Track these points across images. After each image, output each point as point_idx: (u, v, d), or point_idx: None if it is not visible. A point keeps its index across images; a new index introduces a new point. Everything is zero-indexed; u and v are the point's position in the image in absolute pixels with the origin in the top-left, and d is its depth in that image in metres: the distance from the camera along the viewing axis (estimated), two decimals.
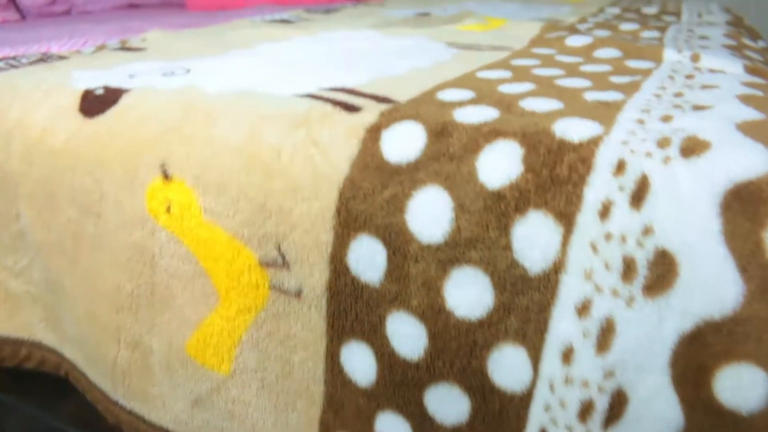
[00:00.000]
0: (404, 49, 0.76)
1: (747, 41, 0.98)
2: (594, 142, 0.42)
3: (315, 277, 0.48)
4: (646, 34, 0.99)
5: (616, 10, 1.33)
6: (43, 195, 0.62)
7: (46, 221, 0.62)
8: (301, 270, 0.48)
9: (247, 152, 0.50)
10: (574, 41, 0.77)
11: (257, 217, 0.49)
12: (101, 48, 0.90)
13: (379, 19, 1.14)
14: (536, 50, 0.75)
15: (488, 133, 0.44)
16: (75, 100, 0.62)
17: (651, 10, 1.32)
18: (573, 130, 0.43)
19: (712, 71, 0.64)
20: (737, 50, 0.90)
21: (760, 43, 1.36)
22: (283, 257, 0.49)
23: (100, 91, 0.62)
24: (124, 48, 0.89)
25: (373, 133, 0.47)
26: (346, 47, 0.76)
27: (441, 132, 0.45)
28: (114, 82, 0.64)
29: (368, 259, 0.45)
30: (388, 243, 0.45)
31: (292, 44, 0.80)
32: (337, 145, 0.47)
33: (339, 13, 1.31)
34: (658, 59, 0.69)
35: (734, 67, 0.67)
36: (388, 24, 1.06)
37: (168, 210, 0.53)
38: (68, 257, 0.62)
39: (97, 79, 0.67)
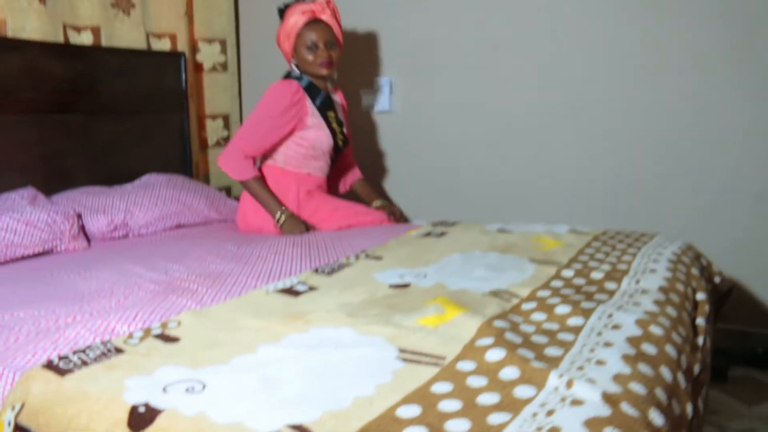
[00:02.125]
0: (362, 363, 1.04)
1: (653, 329, 1.23)
2: None
3: None
4: (572, 321, 1.26)
5: (569, 273, 1.60)
6: None
7: None
8: None
9: None
10: (493, 355, 1.04)
11: None
12: (147, 334, 1.20)
13: (366, 291, 1.44)
14: (461, 365, 1.02)
15: None
16: (125, 415, 0.91)
17: (599, 274, 1.60)
18: None
19: (573, 403, 0.90)
20: (635, 345, 1.15)
21: (699, 296, 1.61)
22: None
23: (142, 410, 0.91)
24: (164, 336, 1.19)
25: None
26: (321, 361, 1.05)
27: None
28: (153, 398, 0.93)
29: None
30: None
31: (282, 353, 1.09)
32: None
33: (342, 273, 1.62)
34: (540, 385, 0.95)
35: (594, 395, 0.92)
36: (371, 303, 1.36)
37: None
38: None
39: (142, 390, 0.96)
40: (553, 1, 2.71)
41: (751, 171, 2.44)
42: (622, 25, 2.59)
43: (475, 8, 2.86)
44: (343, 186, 2.77)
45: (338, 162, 2.68)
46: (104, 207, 2.31)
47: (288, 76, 2.47)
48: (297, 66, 2.45)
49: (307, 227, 2.35)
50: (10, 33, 2.48)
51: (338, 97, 2.62)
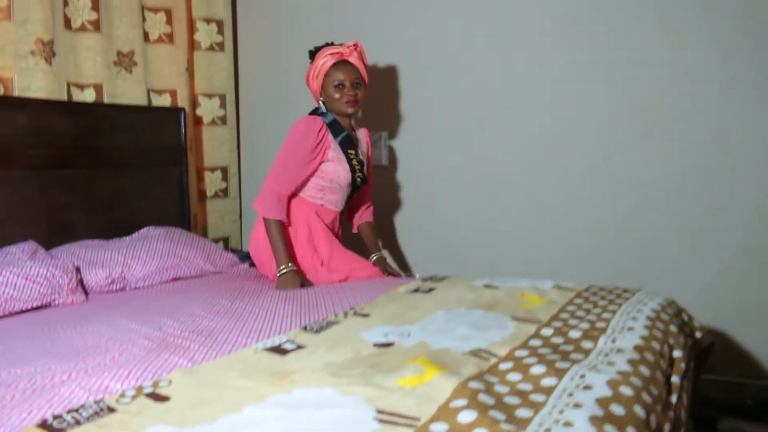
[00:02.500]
0: (341, 424, 1.09)
1: (623, 389, 1.28)
2: None
3: None
4: (545, 382, 1.32)
5: (548, 332, 1.66)
6: None
7: None
8: None
9: None
10: (465, 417, 1.10)
11: None
12: (139, 392, 1.26)
13: (351, 350, 1.50)
14: (434, 427, 1.08)
15: None
16: None
17: (577, 333, 1.65)
18: None
19: None
20: (604, 406, 1.20)
21: (676, 353, 1.66)
22: None
23: None
24: (155, 395, 1.25)
25: None
26: (303, 421, 1.11)
27: None
28: None
29: None
30: None
31: (267, 413, 1.15)
32: None
33: (330, 331, 1.68)
34: None
35: None
36: (354, 362, 1.41)
37: None
38: None
39: None
40: (541, 62, 2.81)
41: (737, 223, 2.51)
42: (611, 87, 2.69)
43: (469, 65, 2.97)
44: (354, 225, 2.89)
45: (356, 198, 2.79)
46: (102, 261, 2.38)
47: (314, 112, 2.62)
48: (324, 104, 2.61)
49: (303, 284, 2.42)
50: (17, 92, 2.59)
51: (363, 136, 2.76)
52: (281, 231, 2.46)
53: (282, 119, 3.48)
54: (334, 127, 2.56)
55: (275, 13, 3.54)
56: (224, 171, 3.61)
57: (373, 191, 3.24)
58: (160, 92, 3.19)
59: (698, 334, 1.99)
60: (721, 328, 2.56)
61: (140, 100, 3.07)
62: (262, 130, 3.65)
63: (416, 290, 2.15)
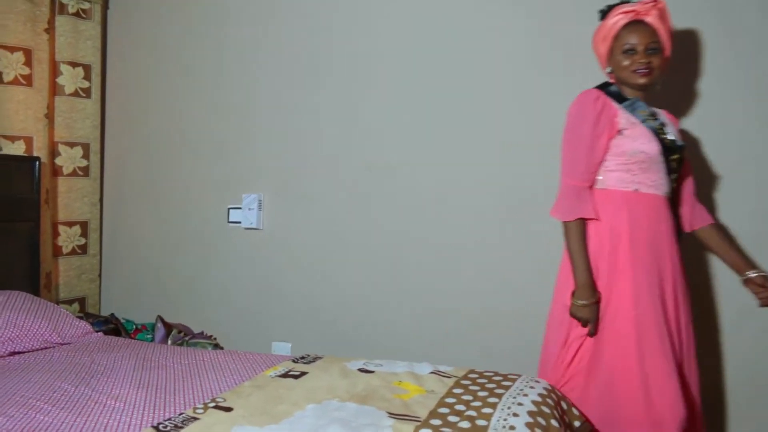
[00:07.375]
0: None
1: None
2: None
3: None
4: None
5: None
6: None
7: None
8: None
9: None
10: None
11: None
12: None
13: None
14: None
15: None
16: None
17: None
18: None
19: None
20: None
21: None
22: None
23: None
24: None
25: None
26: None
27: None
28: None
29: None
30: None
31: None
32: None
33: (186, 431, 1.48)
34: None
35: None
36: None
37: None
38: None
39: None
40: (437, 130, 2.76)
41: None
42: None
43: (350, 126, 2.88)
44: (689, 224, 2.23)
45: (678, 181, 2.19)
46: None
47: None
48: (612, 73, 2.17)
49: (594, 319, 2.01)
50: None
51: (663, 116, 2.21)
52: (583, 238, 2.03)
53: (152, 172, 3.27)
54: (619, 97, 2.11)
55: (148, 58, 3.34)
56: (84, 226, 3.32)
57: (242, 254, 3.07)
58: (12, 139, 2.90)
59: (577, 423, 1.93)
60: None
61: None
62: (128, 183, 3.40)
63: (286, 374, 1.98)
